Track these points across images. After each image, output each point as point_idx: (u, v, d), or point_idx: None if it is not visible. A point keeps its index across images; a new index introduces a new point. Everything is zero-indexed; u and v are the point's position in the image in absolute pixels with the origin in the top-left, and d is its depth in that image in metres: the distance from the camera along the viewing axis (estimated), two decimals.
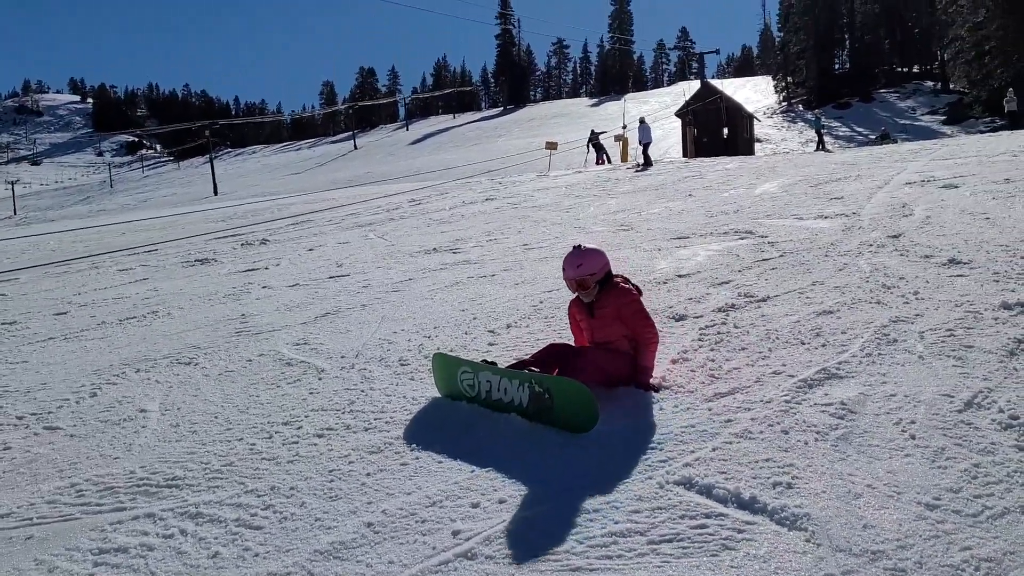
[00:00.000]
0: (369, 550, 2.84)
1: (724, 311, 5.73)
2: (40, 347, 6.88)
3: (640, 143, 28.76)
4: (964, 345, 4.48)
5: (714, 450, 3.40)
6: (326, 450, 3.84)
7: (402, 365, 5.17)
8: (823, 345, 4.72)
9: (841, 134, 61.54)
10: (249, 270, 10.63)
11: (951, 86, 70.65)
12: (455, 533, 2.90)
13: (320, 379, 5.07)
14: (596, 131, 39.37)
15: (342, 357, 5.53)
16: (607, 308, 4.43)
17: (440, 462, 3.54)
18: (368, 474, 3.49)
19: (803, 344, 4.79)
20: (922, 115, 66.57)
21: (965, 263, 6.38)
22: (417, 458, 3.61)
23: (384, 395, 4.59)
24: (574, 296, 4.66)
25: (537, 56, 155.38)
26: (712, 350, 4.87)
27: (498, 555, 2.74)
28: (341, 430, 4.09)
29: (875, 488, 2.98)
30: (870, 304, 5.50)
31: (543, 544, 2.78)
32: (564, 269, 4.50)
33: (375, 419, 4.20)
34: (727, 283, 6.64)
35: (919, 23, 79.39)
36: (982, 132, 41.86)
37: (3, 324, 8.12)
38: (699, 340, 5.09)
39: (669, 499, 3.01)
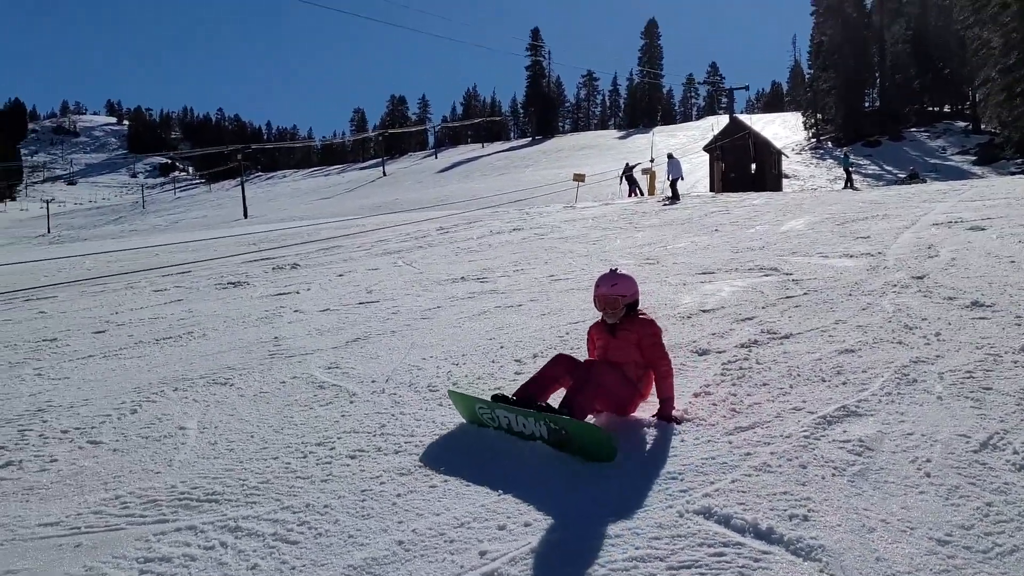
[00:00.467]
0: (400, 567, 2.98)
1: (747, 347, 5.83)
2: (80, 364, 7.10)
3: (669, 178, 29.02)
4: (983, 387, 4.56)
5: (733, 482, 3.51)
6: (358, 471, 3.99)
7: (431, 391, 5.32)
8: (844, 383, 4.82)
9: (870, 172, 61.33)
10: (281, 294, 10.84)
11: (982, 126, 70.32)
12: (482, 553, 3.03)
13: (352, 402, 5.22)
14: (630, 164, 39.67)
15: (373, 382, 5.69)
16: (631, 333, 4.56)
17: (468, 485, 3.68)
18: (399, 495, 3.64)
19: (824, 381, 4.88)
20: (952, 155, 66.22)
21: (988, 306, 6.45)
22: (445, 481, 3.76)
23: (414, 419, 4.73)
24: (597, 320, 4.79)
25: (567, 88, 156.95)
26: (734, 385, 4.98)
27: (523, 575, 2.87)
28: (373, 452, 4.24)
29: (889, 523, 3.08)
30: (892, 344, 5.59)
31: (566, 566, 2.90)
32: (597, 286, 4.66)
33: (405, 442, 4.35)
34: (751, 319, 6.73)
35: (950, 63, 79.21)
36: (1013, 173, 41.69)
37: (44, 341, 8.35)
38: (721, 375, 5.20)
39: (688, 528, 3.12)
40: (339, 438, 4.51)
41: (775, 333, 6.16)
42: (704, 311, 7.24)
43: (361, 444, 4.37)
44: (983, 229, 11.13)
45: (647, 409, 4.54)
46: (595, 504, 3.40)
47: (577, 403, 4.16)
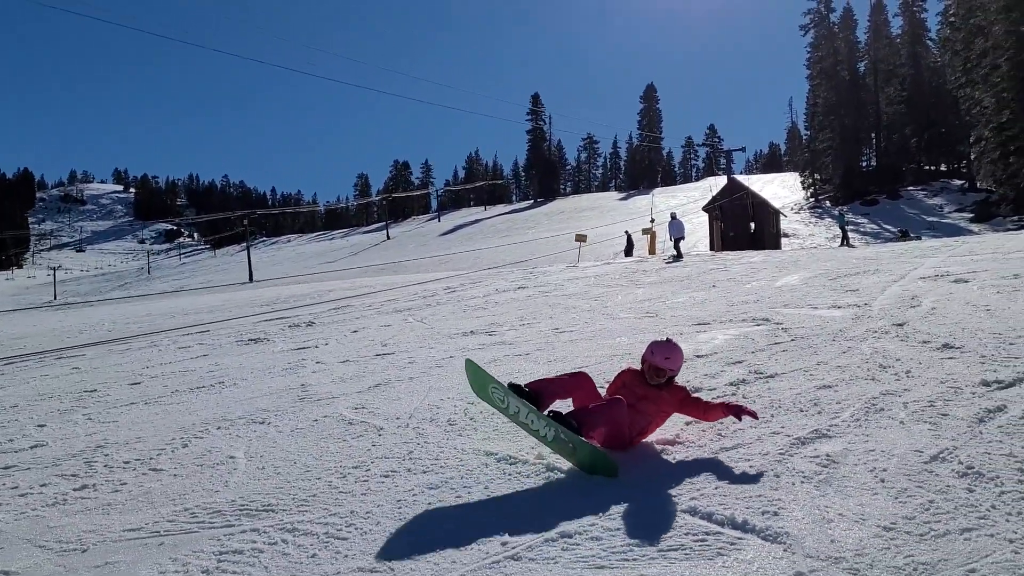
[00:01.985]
0: (436, 554, 3.58)
1: (735, 385, 6.43)
2: (125, 410, 7.71)
3: (672, 237, 30.10)
4: (941, 414, 5.13)
5: (716, 488, 4.12)
6: (393, 486, 4.60)
7: (450, 424, 5.93)
8: (819, 412, 5.41)
9: (868, 230, 62.37)
10: (300, 348, 11.45)
11: (978, 184, 71.50)
12: (503, 543, 3.63)
13: (380, 435, 5.83)
14: (629, 231, 41.25)
15: (397, 418, 6.30)
16: (664, 396, 5.12)
17: (490, 494, 4.30)
18: (429, 503, 4.25)
19: (802, 411, 5.48)
20: (950, 213, 67.24)
21: (958, 347, 7.02)
22: (469, 492, 4.38)
23: (437, 447, 5.34)
24: (635, 368, 5.35)
25: (567, 151, 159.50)
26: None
27: (539, 558, 3.46)
28: (403, 472, 4.85)
29: (845, 516, 3.66)
30: (866, 380, 6.18)
31: (575, 550, 3.50)
32: (652, 353, 5.14)
33: (432, 464, 4.96)
34: (740, 363, 7.33)
35: (945, 123, 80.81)
36: (1009, 230, 42.51)
37: (85, 392, 8.97)
38: None
39: (677, 522, 3.73)
40: (373, 462, 5.11)
41: (761, 373, 6.76)
42: (698, 356, 7.83)
43: (393, 467, 4.98)
44: (966, 281, 11.69)
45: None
46: (599, 507, 3.99)
47: (588, 422, 4.71)
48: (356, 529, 3.95)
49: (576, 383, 5.16)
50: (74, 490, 5.07)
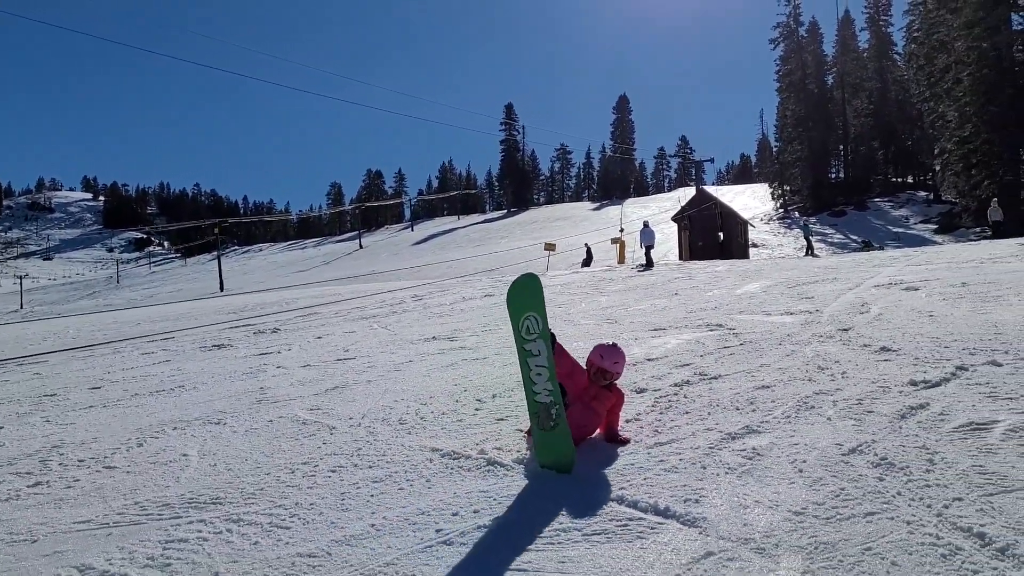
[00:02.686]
0: (373, 540, 3.76)
1: (679, 386, 6.64)
2: (83, 413, 7.82)
3: (643, 245, 30.63)
4: (866, 410, 5.39)
5: (645, 479, 4.33)
6: (338, 480, 4.77)
7: (401, 424, 6.11)
8: (754, 410, 5.64)
9: (836, 241, 63.20)
10: (263, 354, 11.57)
11: (942, 196, 72.65)
12: (438, 531, 3.82)
13: (332, 434, 6.00)
14: (589, 244, 42.21)
15: (350, 419, 6.47)
16: (610, 399, 5.31)
17: (431, 487, 4.49)
18: (372, 495, 4.43)
19: (737, 410, 5.71)
20: (915, 224, 68.32)
21: (895, 351, 7.30)
22: (411, 484, 4.56)
23: (386, 445, 5.52)
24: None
25: (541, 161, 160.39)
26: (661, 413, 5.80)
27: (470, 543, 3.66)
28: (350, 467, 5.03)
29: (760, 502, 3.89)
30: (802, 381, 6.43)
31: (505, 536, 3.70)
32: (602, 357, 5.30)
33: (378, 460, 5.14)
34: (688, 365, 7.56)
35: (911, 136, 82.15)
36: (972, 240, 43.32)
37: (45, 396, 9.06)
38: (652, 406, 6.02)
39: (603, 509, 3.94)
40: (322, 459, 5.29)
41: (706, 375, 6.99)
42: (649, 360, 8.05)
43: (341, 462, 5.16)
44: (917, 289, 12.03)
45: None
46: (532, 497, 4.21)
47: (572, 414, 4.92)
48: (299, 519, 4.12)
49: (574, 370, 5.27)
50: (28, 487, 5.20)
